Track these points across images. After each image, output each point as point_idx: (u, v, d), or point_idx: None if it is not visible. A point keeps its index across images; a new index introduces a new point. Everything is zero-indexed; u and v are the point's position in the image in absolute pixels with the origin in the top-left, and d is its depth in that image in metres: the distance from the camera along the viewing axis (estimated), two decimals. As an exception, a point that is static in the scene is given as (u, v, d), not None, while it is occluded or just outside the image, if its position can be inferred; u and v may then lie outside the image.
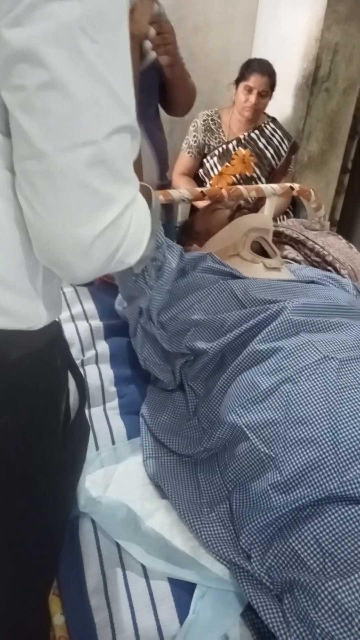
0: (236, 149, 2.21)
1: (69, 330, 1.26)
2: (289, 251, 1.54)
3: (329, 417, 0.83)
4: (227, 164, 2.22)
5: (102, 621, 0.73)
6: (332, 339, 0.98)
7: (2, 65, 0.44)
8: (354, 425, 0.82)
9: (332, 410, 0.84)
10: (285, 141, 2.26)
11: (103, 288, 1.44)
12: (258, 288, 1.12)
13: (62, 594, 0.79)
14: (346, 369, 0.92)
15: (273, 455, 0.82)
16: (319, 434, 0.81)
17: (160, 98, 1.56)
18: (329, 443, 0.80)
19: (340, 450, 0.79)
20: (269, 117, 2.28)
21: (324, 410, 0.84)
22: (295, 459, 0.80)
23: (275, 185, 1.68)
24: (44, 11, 0.42)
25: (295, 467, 0.79)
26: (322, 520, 0.75)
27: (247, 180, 2.21)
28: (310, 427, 0.82)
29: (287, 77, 2.36)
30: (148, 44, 1.00)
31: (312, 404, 0.85)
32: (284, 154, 2.26)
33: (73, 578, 0.78)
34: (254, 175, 2.23)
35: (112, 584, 0.76)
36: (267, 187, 1.65)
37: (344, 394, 0.86)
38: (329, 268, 1.47)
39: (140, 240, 0.58)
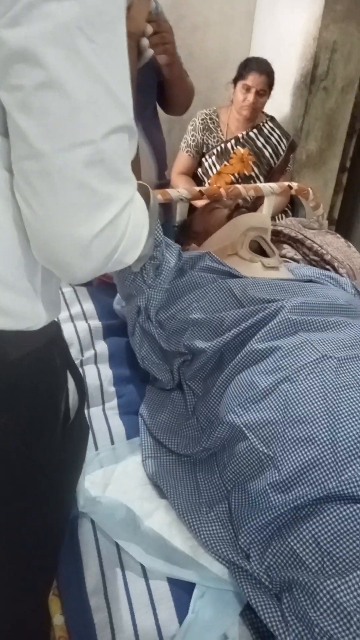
0: (235, 148, 2.21)
1: (67, 331, 1.25)
2: (288, 250, 1.54)
3: (327, 416, 0.83)
4: (225, 163, 2.22)
5: (101, 621, 0.73)
6: (331, 338, 0.98)
7: (0, 65, 0.44)
8: (352, 424, 0.82)
9: (330, 409, 0.84)
10: (284, 140, 2.26)
11: (102, 288, 1.44)
12: (256, 287, 1.12)
13: (62, 594, 0.79)
14: (344, 368, 0.92)
15: (271, 455, 0.82)
16: (317, 433, 0.81)
17: (159, 97, 1.56)
18: (327, 442, 0.80)
19: (339, 449, 0.79)
20: (267, 116, 2.28)
21: (322, 409, 0.84)
22: (294, 458, 0.80)
23: (273, 184, 1.68)
24: (42, 11, 0.42)
25: (294, 466, 0.79)
26: (320, 519, 0.75)
27: (246, 179, 2.21)
28: (308, 426, 0.83)
29: (286, 76, 2.36)
30: (145, 42, 0.99)
31: (310, 403, 0.85)
32: (282, 152, 2.26)
33: (72, 578, 0.79)
34: (253, 174, 2.23)
35: (112, 584, 0.76)
36: (265, 186, 1.65)
37: (342, 393, 0.86)
38: (328, 267, 1.47)
39: (138, 240, 0.58)
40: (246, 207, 1.59)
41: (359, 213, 2.86)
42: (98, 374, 1.13)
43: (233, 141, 2.22)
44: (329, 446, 0.79)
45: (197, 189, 1.59)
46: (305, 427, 0.83)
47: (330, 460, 0.78)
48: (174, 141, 2.32)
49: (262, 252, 1.33)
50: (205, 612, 0.73)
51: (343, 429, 0.81)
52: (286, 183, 1.73)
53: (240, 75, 2.14)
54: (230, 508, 0.84)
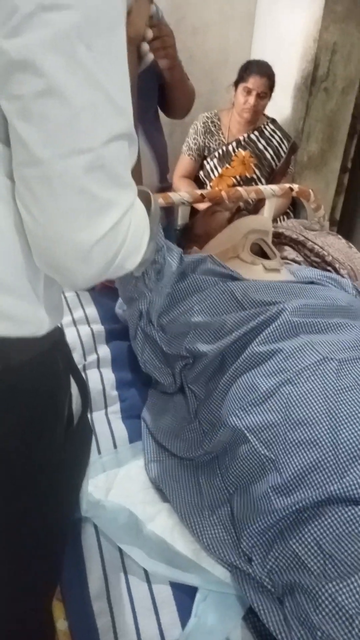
0: (236, 150, 2.22)
1: (70, 335, 1.26)
2: (289, 252, 1.54)
3: (328, 418, 0.83)
4: (227, 165, 2.22)
5: (104, 626, 0.73)
6: (332, 340, 0.98)
7: (1, 74, 0.44)
8: (354, 426, 0.82)
9: (332, 411, 0.84)
10: (285, 142, 2.26)
11: (104, 292, 1.44)
12: (258, 290, 1.12)
13: (65, 599, 0.80)
14: (345, 369, 0.92)
15: (273, 458, 0.82)
16: (318, 436, 0.81)
17: (160, 101, 1.56)
18: (328, 444, 0.80)
19: (340, 451, 0.79)
20: (268, 118, 2.28)
21: (324, 411, 0.84)
22: (296, 460, 0.80)
23: (274, 186, 1.68)
24: (41, 20, 0.42)
25: (296, 469, 0.79)
26: (322, 522, 0.75)
27: (247, 181, 2.21)
28: (310, 428, 0.83)
29: (286, 78, 2.37)
30: (145, 47, 0.99)
31: (311, 406, 0.85)
32: (283, 154, 2.26)
33: (75, 583, 0.79)
34: (254, 176, 2.23)
35: (115, 589, 0.76)
36: (266, 189, 1.65)
37: (343, 395, 0.86)
38: (329, 268, 1.47)
39: (139, 245, 0.58)
40: (247, 209, 1.59)
41: (360, 214, 2.86)
42: (101, 378, 1.14)
43: (234, 144, 2.22)
44: (331, 449, 0.80)
45: (199, 192, 1.60)
46: (306, 430, 0.83)
47: (331, 463, 0.79)
48: (175, 144, 2.32)
49: (264, 255, 1.33)
50: (208, 616, 0.73)
51: (344, 431, 0.81)
52: (287, 185, 1.74)
53: (241, 78, 2.14)
54: (233, 511, 0.84)
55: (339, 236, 1.64)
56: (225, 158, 2.23)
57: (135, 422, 1.04)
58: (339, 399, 0.86)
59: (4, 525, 0.61)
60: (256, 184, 2.20)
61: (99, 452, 0.98)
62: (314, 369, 0.91)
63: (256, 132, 2.23)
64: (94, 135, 0.47)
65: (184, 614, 0.73)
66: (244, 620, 0.74)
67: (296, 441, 0.82)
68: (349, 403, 0.86)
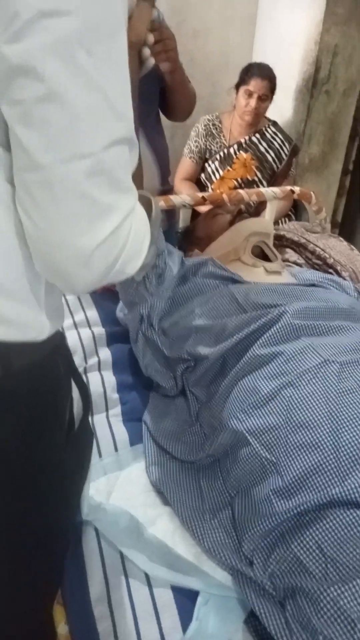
0: (237, 153, 2.22)
1: (71, 338, 1.26)
2: (290, 254, 1.54)
3: (329, 421, 0.83)
4: (228, 168, 2.22)
5: (105, 630, 0.73)
6: (333, 343, 0.98)
7: (1, 80, 0.44)
8: (355, 429, 0.82)
9: (333, 414, 0.84)
10: (286, 144, 2.26)
11: (106, 295, 1.44)
12: (259, 292, 1.12)
13: (66, 603, 0.80)
14: (347, 372, 0.91)
15: (274, 461, 0.82)
16: (320, 439, 0.81)
17: (161, 104, 1.56)
18: (330, 447, 0.80)
19: (342, 454, 0.79)
20: (269, 120, 2.28)
21: (325, 414, 0.84)
22: (297, 464, 0.80)
23: (276, 189, 1.68)
24: (42, 26, 0.42)
25: (297, 472, 0.79)
26: (324, 525, 0.75)
27: (249, 184, 2.21)
28: (311, 431, 0.82)
29: (287, 80, 2.37)
30: (147, 51, 0.99)
31: (312, 409, 0.85)
32: (285, 157, 2.26)
33: (76, 587, 0.79)
34: (256, 178, 2.24)
35: (116, 593, 0.76)
36: (267, 191, 1.65)
37: (344, 397, 0.86)
38: (330, 271, 1.47)
39: (140, 250, 0.58)
40: (249, 212, 1.59)
41: (362, 216, 2.86)
42: (102, 380, 1.14)
43: (236, 146, 2.22)
44: (332, 452, 0.79)
45: (200, 195, 1.60)
46: (308, 433, 0.82)
47: (333, 466, 0.78)
48: (177, 147, 2.32)
49: (265, 257, 1.33)
50: (209, 620, 0.73)
51: (346, 434, 0.81)
52: (288, 187, 1.73)
53: (242, 81, 2.14)
54: (234, 514, 0.84)
55: (341, 238, 1.64)
56: (226, 160, 2.23)
57: (136, 425, 1.04)
58: (341, 402, 0.86)
59: (4, 525, 0.62)
60: (257, 186, 2.20)
61: (100, 455, 0.98)
62: (316, 371, 0.91)
63: (257, 135, 2.23)
64: (95, 140, 0.47)
65: (185, 617, 0.73)
66: (246, 624, 0.74)
67: (297, 444, 0.82)
68: (351, 406, 0.85)
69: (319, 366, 0.91)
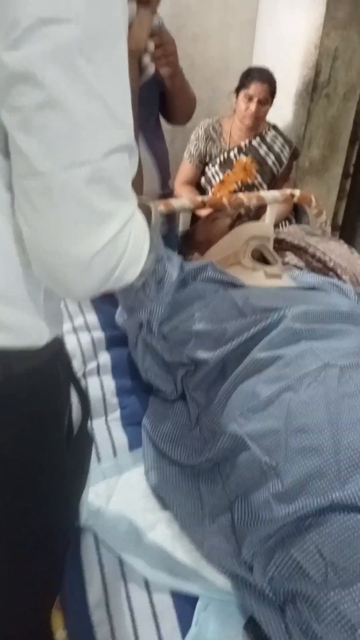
0: (237, 156, 2.22)
1: (70, 342, 1.26)
2: (291, 257, 1.54)
3: (330, 425, 0.82)
4: (228, 171, 2.23)
5: (104, 636, 0.72)
6: (333, 346, 0.98)
7: (1, 86, 0.44)
8: (355, 432, 0.81)
9: (333, 418, 0.83)
10: (286, 148, 2.26)
11: (105, 299, 1.44)
12: (258, 296, 1.12)
13: (65, 608, 0.79)
14: (347, 376, 0.91)
15: (274, 465, 0.82)
16: (320, 443, 0.81)
17: (161, 108, 1.57)
18: (330, 451, 0.79)
19: (342, 458, 0.79)
20: (269, 124, 2.29)
21: (325, 418, 0.83)
22: (297, 468, 0.80)
23: (276, 193, 1.68)
24: (42, 33, 0.42)
25: (297, 476, 0.79)
26: (324, 529, 0.74)
27: (249, 187, 2.21)
28: (311, 435, 0.82)
29: (287, 84, 2.37)
30: (147, 60, 0.99)
31: (312, 412, 0.85)
32: (285, 160, 2.26)
33: (75, 592, 0.78)
34: (256, 182, 2.24)
35: (114, 598, 0.76)
36: (267, 195, 1.66)
37: (344, 401, 0.86)
38: (330, 274, 1.47)
39: (139, 256, 0.58)
40: (249, 215, 1.59)
41: (362, 218, 2.87)
42: (101, 385, 1.14)
43: (236, 150, 2.23)
44: (332, 455, 0.79)
45: (200, 198, 1.60)
46: (308, 437, 0.82)
47: (333, 470, 0.78)
48: (177, 151, 2.33)
49: (265, 261, 1.33)
50: (209, 625, 0.72)
51: (346, 438, 0.81)
52: (288, 191, 1.74)
53: (242, 85, 2.15)
54: (233, 519, 0.84)
55: (341, 242, 1.64)
56: (226, 164, 2.24)
57: (135, 429, 1.03)
58: (341, 406, 0.85)
59: (4, 525, 0.61)
60: (258, 189, 2.20)
61: (99, 459, 0.97)
62: (316, 375, 0.91)
63: (258, 138, 2.23)
64: (94, 147, 0.47)
65: (185, 623, 0.73)
66: (245, 629, 0.73)
67: (297, 448, 0.82)
68: (351, 410, 0.85)
69: (319, 370, 0.91)
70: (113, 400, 1.10)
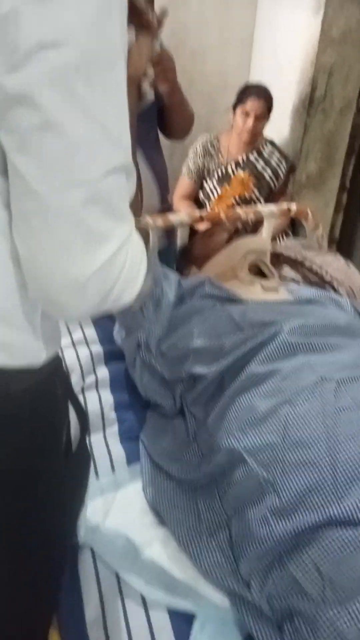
0: (235, 171, 2.24)
1: (69, 356, 1.26)
2: (288, 271, 1.55)
3: (327, 439, 0.82)
4: (226, 186, 2.24)
5: (100, 654, 0.72)
6: (330, 360, 0.98)
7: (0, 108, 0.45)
8: (352, 447, 0.81)
9: (330, 432, 0.83)
10: (283, 162, 2.29)
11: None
12: (255, 310, 1.13)
13: (61, 626, 0.79)
14: (344, 390, 0.91)
15: (272, 479, 0.81)
16: (317, 457, 0.81)
17: (160, 123, 1.59)
18: (327, 466, 0.79)
19: (339, 473, 0.78)
20: (266, 139, 2.31)
21: (322, 432, 0.83)
22: (294, 482, 0.79)
23: (273, 207, 1.70)
24: (40, 56, 0.43)
25: (294, 491, 0.78)
26: (321, 545, 0.74)
27: (247, 201, 2.23)
28: (308, 450, 0.82)
29: (284, 100, 2.40)
30: (146, 85, 0.99)
31: (309, 426, 0.85)
32: (282, 174, 2.28)
33: (72, 610, 0.78)
34: (253, 196, 2.26)
35: (111, 616, 0.75)
36: (265, 209, 1.67)
37: (341, 415, 0.86)
38: (327, 287, 1.47)
39: (136, 278, 0.58)
40: (246, 229, 1.60)
41: (359, 232, 2.88)
42: (99, 399, 1.14)
43: (233, 165, 2.25)
44: (329, 470, 0.79)
45: (198, 213, 1.61)
46: (305, 451, 0.82)
47: (330, 485, 0.78)
48: (175, 166, 2.35)
49: (262, 275, 1.34)
50: (206, 643, 0.72)
51: (343, 452, 0.81)
52: (285, 205, 1.75)
53: (239, 101, 2.18)
54: (231, 535, 0.84)
55: (338, 255, 1.65)
56: (224, 179, 2.26)
57: (133, 443, 1.03)
58: (338, 420, 0.85)
59: (4, 525, 0.61)
60: (255, 204, 2.22)
61: (97, 474, 0.97)
62: (312, 389, 0.91)
63: (255, 153, 2.25)
64: (91, 169, 0.47)
65: (182, 641, 0.72)
66: (243, 648, 0.73)
67: (295, 462, 0.81)
68: (348, 424, 0.85)
69: (316, 384, 0.91)
70: (111, 414, 1.10)
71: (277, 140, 2.36)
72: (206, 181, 2.31)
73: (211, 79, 2.66)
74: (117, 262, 0.52)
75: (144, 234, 0.62)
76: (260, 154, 2.26)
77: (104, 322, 1.39)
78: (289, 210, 1.70)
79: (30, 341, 0.57)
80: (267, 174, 2.26)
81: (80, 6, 0.43)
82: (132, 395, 1.15)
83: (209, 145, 2.29)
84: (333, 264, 1.53)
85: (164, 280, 1.16)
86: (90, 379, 1.20)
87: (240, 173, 2.23)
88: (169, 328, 1.13)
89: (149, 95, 0.97)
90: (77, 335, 1.34)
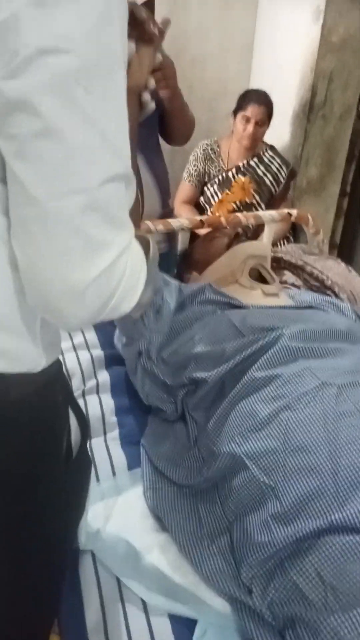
0: (236, 176, 2.25)
1: (70, 360, 1.26)
2: (288, 276, 1.55)
3: (328, 444, 0.82)
4: (227, 191, 2.25)
5: (101, 660, 0.72)
6: (330, 365, 0.98)
7: None
8: (354, 452, 0.81)
9: (331, 437, 0.83)
10: (284, 167, 2.30)
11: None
12: (256, 316, 1.12)
13: (62, 632, 0.78)
14: (345, 395, 0.91)
15: (273, 485, 0.81)
16: (318, 462, 0.80)
17: (161, 129, 1.60)
18: (328, 472, 0.79)
19: (340, 478, 0.78)
20: (267, 145, 2.32)
21: (323, 437, 0.83)
22: (295, 488, 0.79)
23: (273, 212, 1.70)
24: (40, 63, 0.43)
25: (296, 496, 0.78)
26: (323, 552, 0.73)
27: (247, 207, 2.24)
28: (309, 455, 0.82)
29: (285, 106, 2.41)
30: (147, 96, 0.98)
31: (311, 432, 0.85)
32: (282, 180, 2.29)
33: (73, 616, 0.78)
34: (254, 201, 2.26)
35: (112, 622, 0.75)
36: (265, 214, 1.67)
37: (342, 420, 0.86)
38: (328, 292, 1.47)
39: (136, 287, 0.57)
40: (247, 234, 1.60)
41: (360, 237, 2.89)
42: (100, 403, 1.13)
43: (234, 170, 2.26)
44: (331, 476, 0.78)
45: (198, 218, 1.62)
46: (306, 456, 0.82)
47: (332, 491, 0.77)
48: (176, 171, 2.36)
49: (263, 280, 1.34)
50: (207, 650, 0.71)
51: (344, 457, 0.80)
52: (286, 210, 1.75)
53: (239, 107, 2.19)
54: (232, 540, 0.83)
55: (339, 260, 1.65)
56: (225, 184, 2.26)
57: (134, 448, 1.03)
58: (339, 425, 0.85)
59: (3, 526, 0.61)
60: (256, 209, 2.23)
61: (98, 479, 0.97)
62: (313, 394, 0.91)
63: (255, 159, 2.26)
64: (90, 176, 0.47)
65: (183, 647, 0.72)
66: (244, 654, 0.72)
67: (296, 468, 0.81)
68: (349, 429, 0.85)
69: (317, 389, 0.91)
70: (112, 419, 1.10)
71: (278, 146, 2.37)
72: (207, 186, 2.32)
73: (211, 85, 2.67)
74: (117, 270, 0.51)
75: (145, 243, 0.61)
76: (260, 159, 2.27)
77: (105, 327, 1.39)
78: (289, 215, 1.70)
79: (29, 348, 0.57)
80: (268, 179, 2.26)
81: (81, 13, 0.43)
82: (132, 400, 1.15)
83: (210, 150, 2.31)
84: (334, 269, 1.54)
85: (165, 288, 1.16)
86: (91, 383, 1.20)
87: (241, 178, 2.24)
88: (169, 335, 1.13)
89: (150, 105, 0.96)
90: (78, 339, 1.34)
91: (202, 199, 2.35)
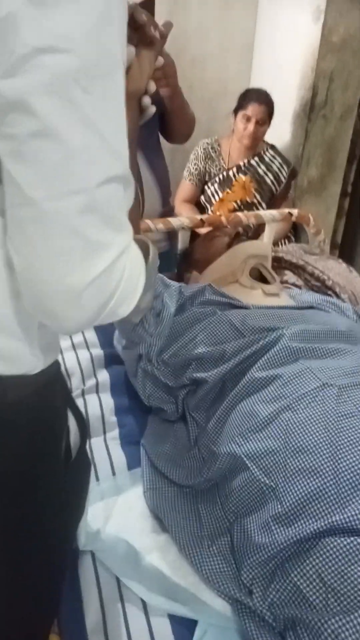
0: (236, 175, 2.25)
1: (70, 359, 1.26)
2: (289, 276, 1.55)
3: (329, 445, 0.82)
4: (227, 190, 2.25)
5: (101, 661, 0.71)
6: (331, 365, 0.98)
7: None
8: (355, 453, 0.81)
9: (332, 438, 0.83)
10: (285, 167, 2.29)
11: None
12: (256, 316, 1.12)
13: (62, 631, 0.78)
14: (345, 395, 0.91)
15: (273, 486, 0.81)
16: (319, 463, 0.80)
17: (161, 127, 1.59)
18: (329, 472, 0.79)
19: (341, 480, 0.78)
20: (267, 144, 2.32)
21: (324, 438, 0.83)
22: (296, 489, 0.79)
23: (274, 212, 1.70)
24: (37, 63, 0.42)
25: (296, 497, 0.78)
26: (324, 553, 0.73)
27: (248, 206, 2.24)
28: (310, 456, 0.81)
29: (285, 106, 2.41)
30: (147, 100, 0.97)
31: (311, 433, 0.84)
32: (283, 179, 2.29)
33: (73, 615, 0.77)
34: (255, 201, 2.26)
35: (112, 622, 0.75)
36: (266, 214, 1.67)
37: (343, 421, 0.85)
38: (329, 292, 1.47)
39: (134, 290, 0.56)
40: (248, 234, 1.60)
41: (361, 236, 2.89)
42: (99, 403, 1.13)
43: (235, 169, 2.25)
44: (332, 477, 0.78)
45: (199, 217, 1.61)
46: (307, 457, 0.81)
47: (333, 492, 0.77)
48: (176, 170, 2.36)
49: (263, 279, 1.33)
50: (207, 651, 0.71)
51: (345, 459, 0.80)
52: (287, 210, 1.75)
53: (240, 106, 2.18)
54: (232, 541, 0.83)
55: (340, 260, 1.65)
56: (225, 183, 2.26)
57: (134, 448, 1.03)
58: (340, 426, 0.85)
59: (2, 527, 0.61)
60: (257, 208, 2.22)
61: (97, 479, 0.97)
62: (314, 395, 0.90)
63: (256, 158, 2.26)
64: (88, 177, 0.46)
65: (183, 648, 0.72)
66: (245, 656, 0.72)
67: (296, 469, 0.81)
68: (350, 430, 0.84)
69: (318, 389, 0.91)
70: (112, 418, 1.10)
71: (279, 145, 2.37)
72: (207, 185, 2.31)
73: (211, 85, 2.67)
74: (115, 272, 0.51)
75: (144, 247, 0.60)
76: (261, 158, 2.27)
77: (104, 326, 1.38)
78: (290, 215, 1.70)
79: (27, 350, 0.56)
80: (269, 178, 2.26)
81: (80, 13, 0.43)
82: (132, 400, 1.14)
83: (210, 149, 2.30)
84: (335, 269, 1.53)
85: (165, 290, 1.15)
86: (90, 382, 1.19)
87: (242, 177, 2.23)
88: (170, 337, 1.12)
89: (150, 110, 0.95)
90: (78, 338, 1.34)
91: (202, 197, 2.34)
